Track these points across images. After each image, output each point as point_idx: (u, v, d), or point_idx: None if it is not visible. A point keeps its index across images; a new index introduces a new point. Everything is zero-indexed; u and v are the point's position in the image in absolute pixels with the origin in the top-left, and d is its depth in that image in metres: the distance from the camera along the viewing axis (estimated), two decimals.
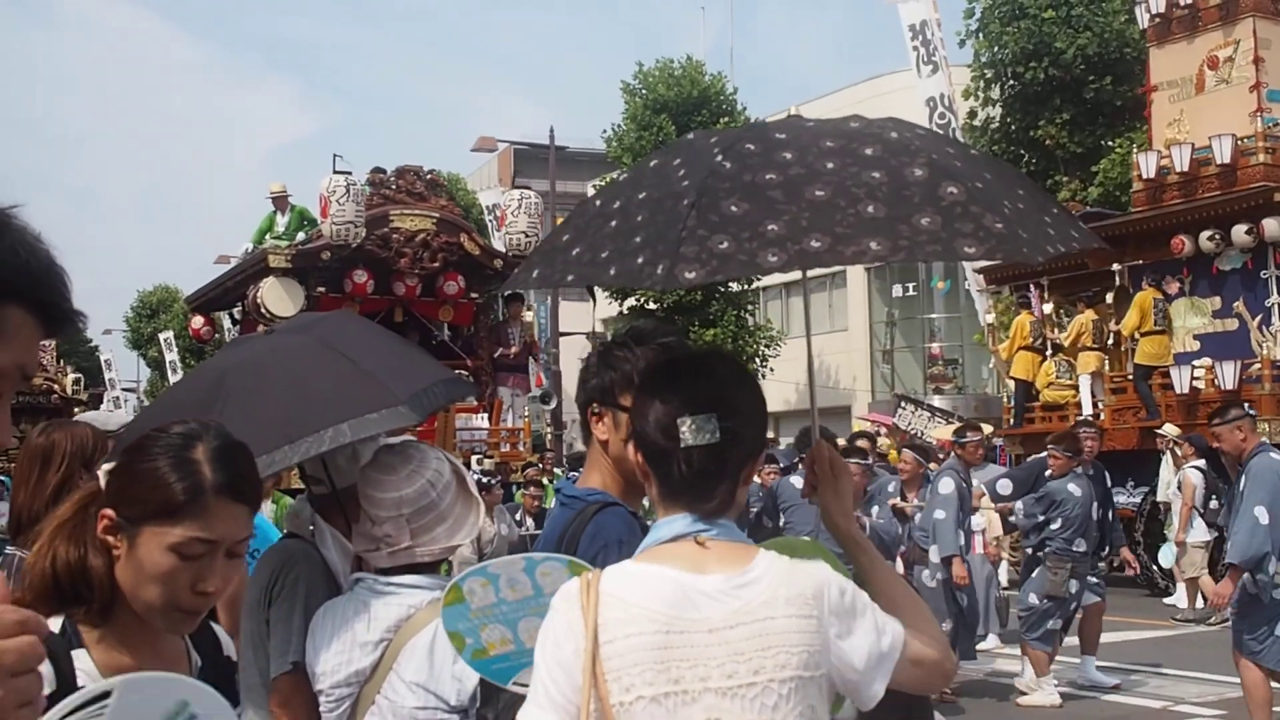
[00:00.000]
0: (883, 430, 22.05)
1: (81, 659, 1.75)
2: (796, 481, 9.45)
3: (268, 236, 16.29)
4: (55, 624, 1.74)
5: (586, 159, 39.78)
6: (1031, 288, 17.67)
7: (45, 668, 1.37)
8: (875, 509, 9.90)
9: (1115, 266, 16.34)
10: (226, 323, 18.41)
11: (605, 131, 32.68)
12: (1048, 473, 9.59)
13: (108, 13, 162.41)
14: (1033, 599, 9.21)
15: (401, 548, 2.73)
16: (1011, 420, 17.60)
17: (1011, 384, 17.75)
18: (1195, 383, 15.14)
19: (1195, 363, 15.29)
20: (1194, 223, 15.35)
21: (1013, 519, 9.88)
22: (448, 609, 2.33)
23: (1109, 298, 16.61)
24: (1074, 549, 9.07)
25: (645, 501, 2.30)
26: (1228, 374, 14.80)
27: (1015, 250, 1.99)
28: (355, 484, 2.87)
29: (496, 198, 23.92)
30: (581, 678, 1.79)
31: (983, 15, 27.89)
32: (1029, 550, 9.70)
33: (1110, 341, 16.78)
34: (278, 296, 14.60)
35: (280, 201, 16.67)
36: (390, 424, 2.77)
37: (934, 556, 9.20)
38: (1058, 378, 17.02)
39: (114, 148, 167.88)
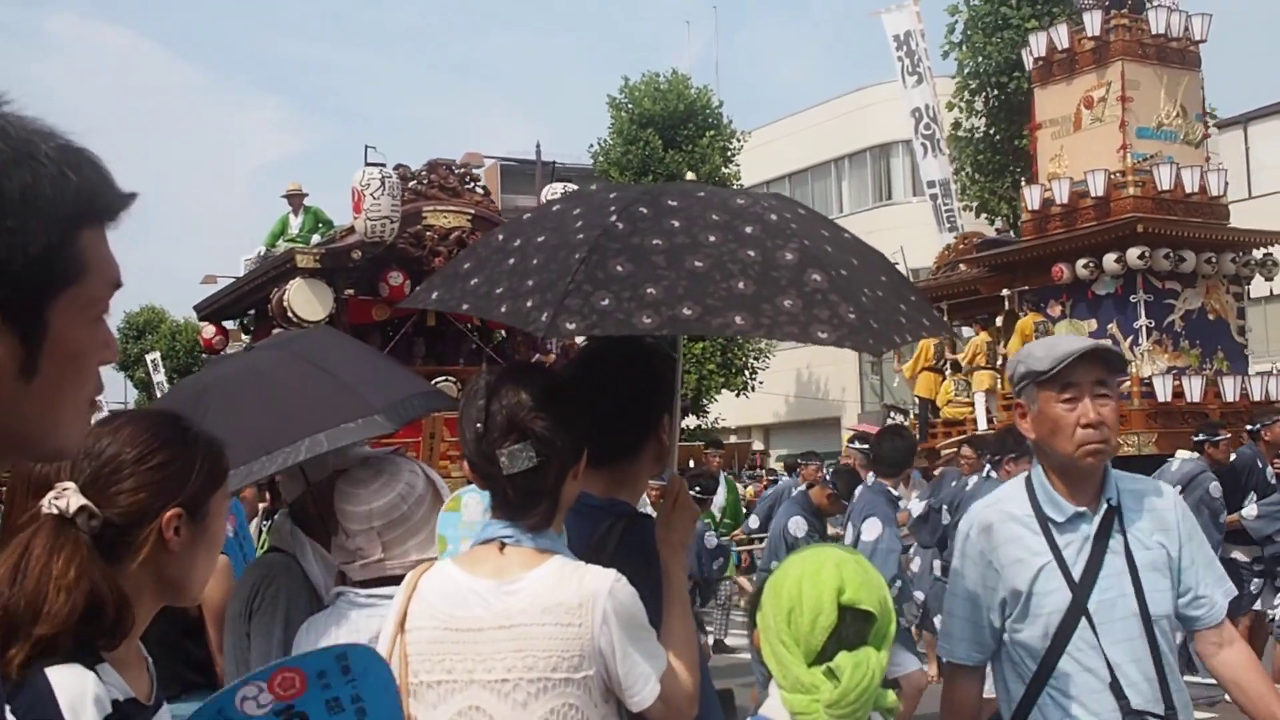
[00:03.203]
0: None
1: (109, 673, 1.74)
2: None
3: (280, 240, 15.57)
4: (73, 671, 1.70)
5: (574, 174, 39.81)
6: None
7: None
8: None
9: (1005, 292, 17.46)
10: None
11: (592, 146, 32.92)
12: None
13: (95, 35, 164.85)
14: None
15: (373, 560, 2.73)
16: (917, 436, 18.72)
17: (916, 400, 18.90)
18: None
19: None
20: (1071, 251, 16.51)
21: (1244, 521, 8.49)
22: (445, 514, 2.71)
23: (998, 320, 17.71)
24: None
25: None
26: None
27: (862, 342, 2.11)
28: (302, 495, 3.00)
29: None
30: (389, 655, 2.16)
31: (966, 27, 27.69)
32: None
33: (1001, 362, 17.86)
34: (305, 299, 13.57)
35: (295, 200, 15.78)
36: (366, 433, 2.81)
37: None
38: (956, 395, 18.15)
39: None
